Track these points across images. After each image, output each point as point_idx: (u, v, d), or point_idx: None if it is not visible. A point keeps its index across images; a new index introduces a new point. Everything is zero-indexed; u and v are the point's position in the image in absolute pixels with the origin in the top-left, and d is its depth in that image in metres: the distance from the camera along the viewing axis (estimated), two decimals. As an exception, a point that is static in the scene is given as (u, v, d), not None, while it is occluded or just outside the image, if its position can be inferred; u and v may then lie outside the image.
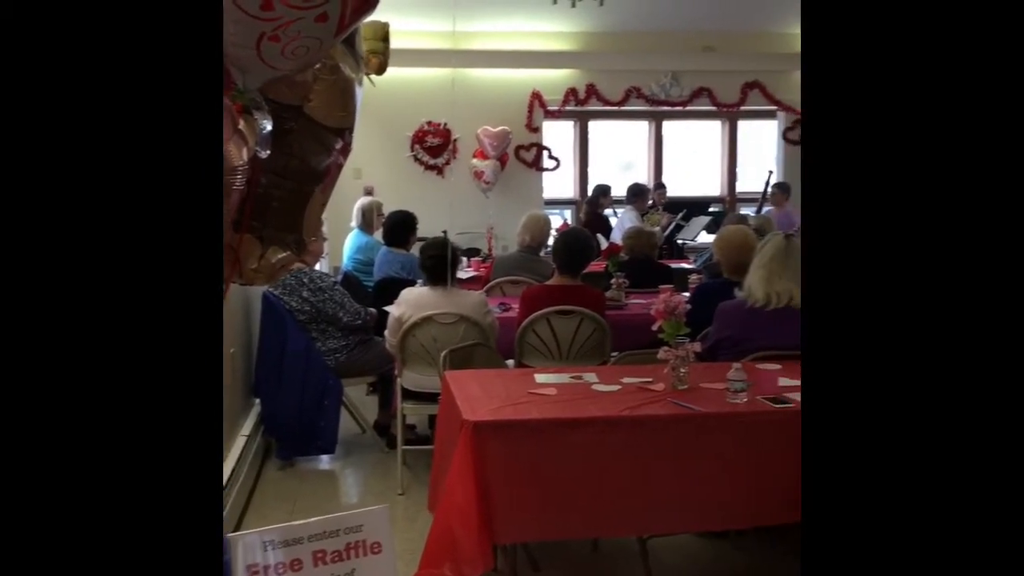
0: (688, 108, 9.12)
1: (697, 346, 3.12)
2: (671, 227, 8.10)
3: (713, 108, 9.15)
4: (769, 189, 8.58)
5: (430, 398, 3.94)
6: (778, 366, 3.03)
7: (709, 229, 7.92)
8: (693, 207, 8.58)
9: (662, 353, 3.06)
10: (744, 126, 9.66)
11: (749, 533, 3.45)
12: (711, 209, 8.84)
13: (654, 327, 3.12)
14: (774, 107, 9.25)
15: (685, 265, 6.53)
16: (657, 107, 9.10)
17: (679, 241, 8.31)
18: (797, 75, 9.14)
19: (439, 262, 4.20)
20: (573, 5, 6.44)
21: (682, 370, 3.01)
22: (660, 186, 8.95)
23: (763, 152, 9.66)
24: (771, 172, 8.84)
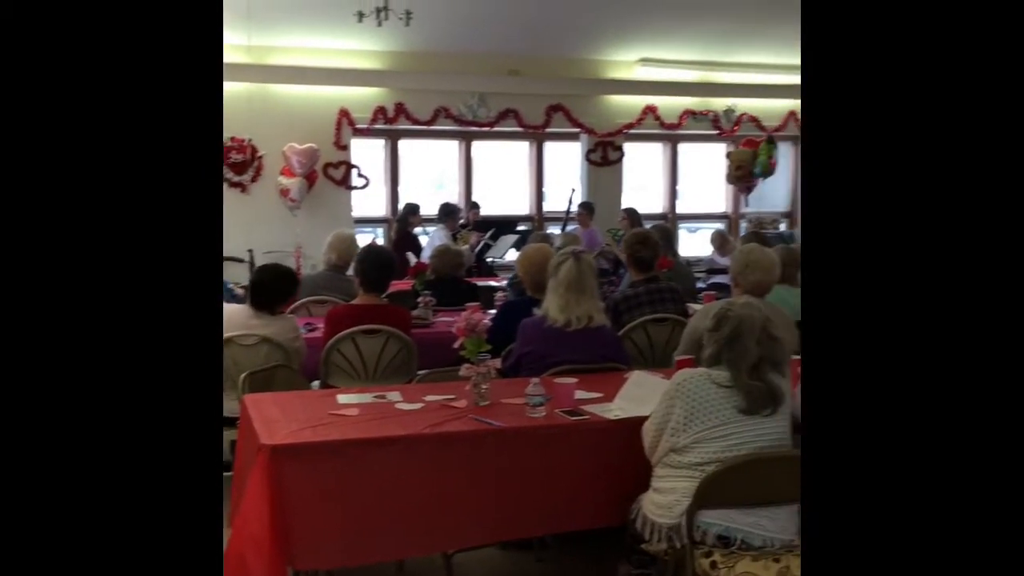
0: (496, 129, 9.32)
1: (498, 362, 3.18)
2: (480, 245, 8.23)
3: (520, 129, 9.40)
4: (574, 208, 8.89)
5: (230, 423, 3.80)
6: (575, 380, 3.14)
7: (517, 247, 8.11)
8: (502, 226, 8.76)
9: (464, 370, 3.10)
10: (550, 147, 9.97)
11: (551, 544, 3.54)
12: (519, 228, 9.06)
13: (456, 344, 3.16)
14: (577, 129, 9.60)
15: (492, 283, 6.64)
16: (466, 127, 9.24)
17: (489, 259, 8.46)
18: (598, 99, 9.55)
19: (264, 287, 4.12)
20: (379, 24, 6.44)
21: (483, 386, 3.06)
22: (474, 205, 9.09)
23: (569, 172, 10.00)
24: (573, 190, 9.17)
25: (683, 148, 10.39)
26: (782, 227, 10.65)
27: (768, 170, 9.31)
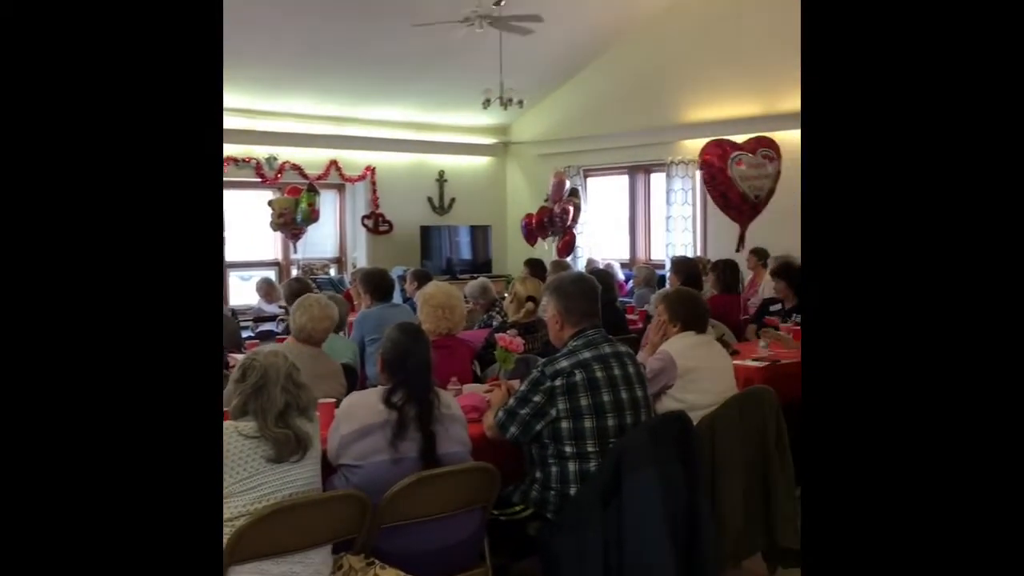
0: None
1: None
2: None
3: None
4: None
5: None
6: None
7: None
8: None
9: None
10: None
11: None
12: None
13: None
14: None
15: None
16: None
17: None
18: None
19: None
20: None
21: None
22: None
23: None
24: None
25: (230, 195, 10.21)
26: (332, 272, 10.93)
27: (310, 217, 9.49)
